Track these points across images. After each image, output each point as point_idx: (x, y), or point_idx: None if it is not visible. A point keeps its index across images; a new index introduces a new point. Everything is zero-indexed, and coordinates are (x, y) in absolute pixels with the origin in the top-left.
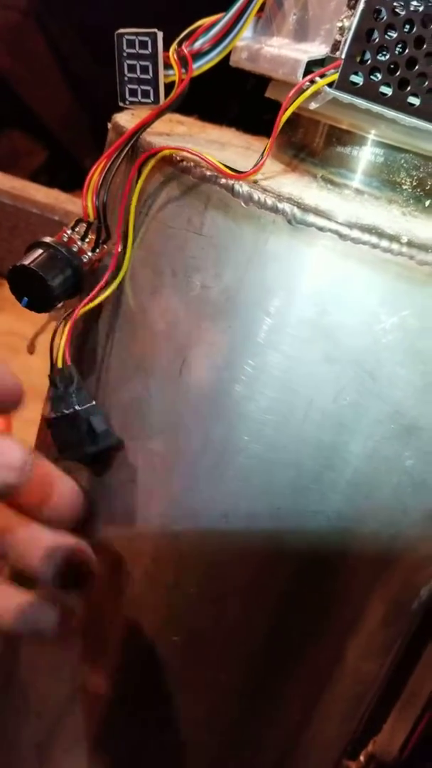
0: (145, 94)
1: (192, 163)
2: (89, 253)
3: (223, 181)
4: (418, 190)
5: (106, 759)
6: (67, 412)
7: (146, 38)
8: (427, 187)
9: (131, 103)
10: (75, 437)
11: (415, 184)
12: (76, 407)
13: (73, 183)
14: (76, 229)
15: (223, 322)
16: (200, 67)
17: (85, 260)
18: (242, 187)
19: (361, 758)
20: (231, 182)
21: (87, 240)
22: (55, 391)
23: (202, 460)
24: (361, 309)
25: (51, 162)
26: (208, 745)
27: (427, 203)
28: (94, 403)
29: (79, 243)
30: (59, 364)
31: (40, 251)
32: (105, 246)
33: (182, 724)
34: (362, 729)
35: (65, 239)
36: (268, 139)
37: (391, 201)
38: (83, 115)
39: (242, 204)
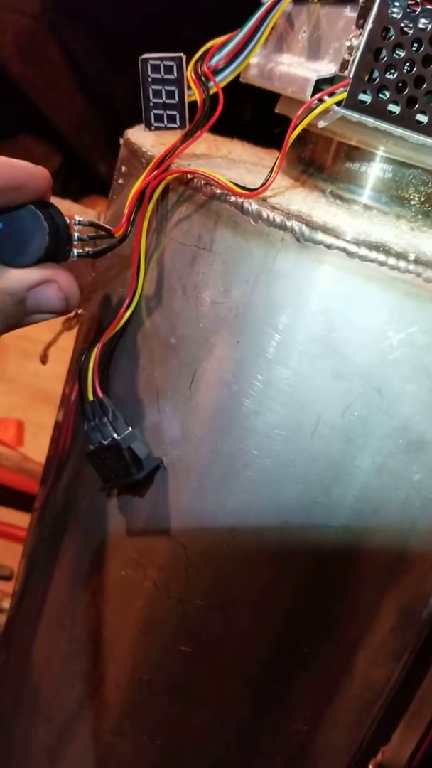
0: (171, 119)
1: (203, 182)
2: (75, 251)
3: (233, 199)
4: (427, 205)
5: (114, 766)
6: (105, 442)
7: (171, 63)
8: None
9: (156, 128)
10: (119, 465)
11: (423, 199)
12: (115, 436)
13: (86, 188)
14: (85, 227)
15: (231, 338)
16: (213, 86)
17: (72, 255)
18: (251, 205)
19: (370, 767)
20: (240, 200)
21: (85, 239)
22: (88, 423)
23: (210, 474)
24: (369, 326)
25: (65, 168)
26: (215, 752)
27: None
28: (131, 429)
29: (76, 236)
30: (90, 396)
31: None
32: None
33: (190, 731)
34: (371, 737)
35: (67, 222)
36: (277, 152)
37: (399, 216)
38: (97, 120)
39: (251, 222)
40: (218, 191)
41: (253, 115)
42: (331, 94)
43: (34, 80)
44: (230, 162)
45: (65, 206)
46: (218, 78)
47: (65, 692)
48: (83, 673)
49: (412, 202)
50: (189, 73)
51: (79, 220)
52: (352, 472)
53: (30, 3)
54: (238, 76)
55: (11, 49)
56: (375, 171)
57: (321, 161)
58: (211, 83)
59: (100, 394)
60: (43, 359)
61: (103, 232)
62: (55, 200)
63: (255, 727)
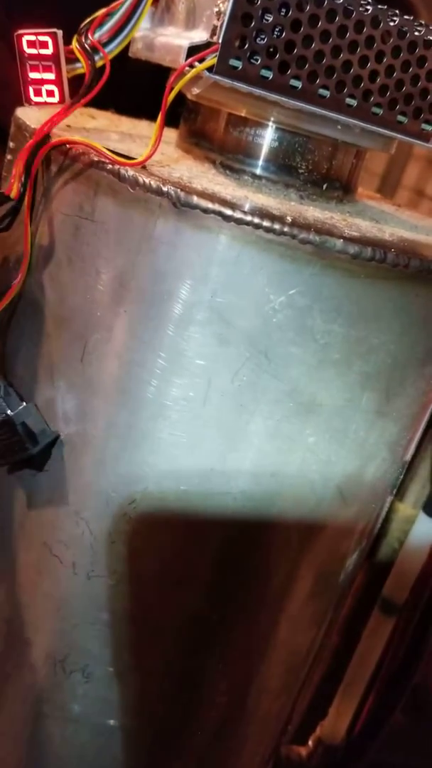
0: (50, 93)
1: (81, 151)
2: None
3: (110, 166)
4: (315, 173)
5: (37, 746)
6: None
7: (46, 38)
8: (323, 171)
9: (36, 103)
10: (14, 441)
11: (310, 167)
12: (8, 412)
13: None
14: None
15: (118, 308)
16: (101, 58)
17: None
18: (128, 172)
19: (310, 743)
20: (117, 167)
21: None
22: None
23: (108, 447)
24: (251, 289)
25: None
26: (138, 729)
27: (324, 186)
28: (25, 404)
29: None
30: None
31: None
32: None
33: (110, 709)
34: (309, 713)
35: None
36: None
37: (288, 185)
38: None
39: (129, 189)
40: (96, 159)
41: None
42: (201, 61)
43: None
44: (126, 137)
45: None
46: (107, 49)
47: None
48: (2, 653)
49: (300, 171)
50: (74, 45)
51: None
52: (246, 438)
53: None
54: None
55: None
56: (262, 140)
57: (211, 133)
58: (100, 55)
59: None
60: None
61: None
62: None
63: (176, 700)
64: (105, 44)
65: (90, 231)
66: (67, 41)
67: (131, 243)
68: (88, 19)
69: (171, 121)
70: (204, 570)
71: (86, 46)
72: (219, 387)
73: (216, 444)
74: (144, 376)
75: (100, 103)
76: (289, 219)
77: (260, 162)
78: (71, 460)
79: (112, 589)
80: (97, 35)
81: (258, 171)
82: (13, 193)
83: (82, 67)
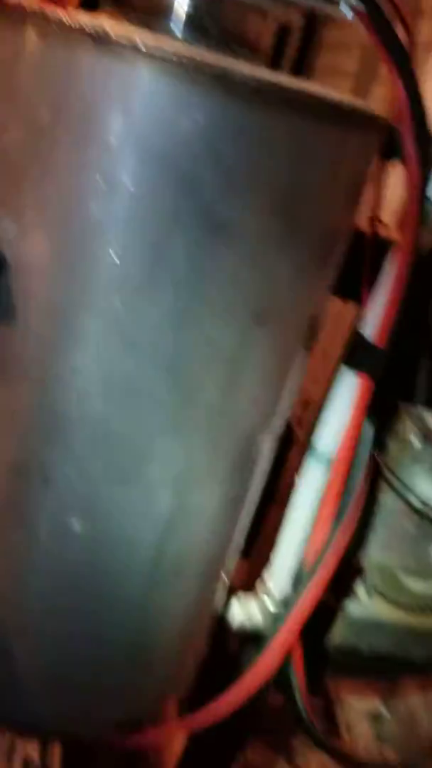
0: None
1: None
2: None
3: (38, 10)
4: (225, 36)
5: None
6: None
7: None
8: (232, 34)
9: None
10: None
11: (221, 30)
12: None
13: None
14: None
15: (52, 136)
16: None
17: None
18: (53, 13)
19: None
20: (44, 11)
21: None
22: None
23: (51, 266)
24: (166, 118)
25: None
26: (91, 535)
27: (234, 50)
28: None
29: None
30: None
31: None
32: None
33: (69, 510)
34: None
35: None
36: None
37: (200, 43)
38: None
39: (55, 28)
40: (24, 4)
41: None
42: None
43: None
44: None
45: None
46: None
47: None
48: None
49: (212, 33)
50: None
51: None
52: (170, 255)
53: None
54: None
55: None
56: (178, 3)
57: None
58: None
59: None
60: None
61: None
62: None
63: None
64: None
65: (24, 71)
66: None
67: (59, 78)
68: None
69: None
70: (147, 382)
71: None
72: (148, 207)
73: (145, 259)
74: (82, 199)
75: None
76: (197, 56)
77: (176, 23)
78: (20, 283)
79: (61, 395)
80: None
81: (175, 32)
82: None
83: None
